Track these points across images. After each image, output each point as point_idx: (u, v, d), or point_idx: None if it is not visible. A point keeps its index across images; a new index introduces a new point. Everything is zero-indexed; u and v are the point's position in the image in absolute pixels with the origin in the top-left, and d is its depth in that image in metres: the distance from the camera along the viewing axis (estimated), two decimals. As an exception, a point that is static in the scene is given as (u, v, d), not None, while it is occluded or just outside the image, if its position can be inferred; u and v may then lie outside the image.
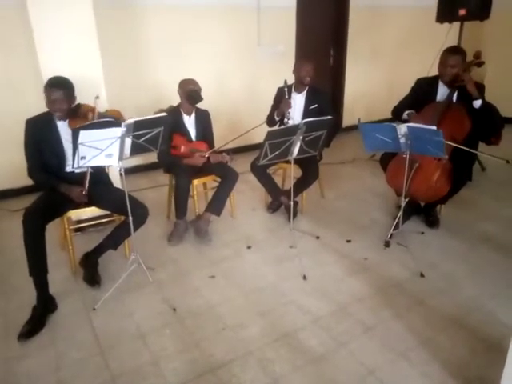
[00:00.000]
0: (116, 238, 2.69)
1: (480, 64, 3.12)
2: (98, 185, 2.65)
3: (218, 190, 3.22)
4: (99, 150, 2.19)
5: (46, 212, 2.42)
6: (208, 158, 3.15)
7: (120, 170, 2.36)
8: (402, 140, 2.70)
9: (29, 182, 2.63)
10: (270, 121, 3.60)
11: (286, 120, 3.45)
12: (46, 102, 2.49)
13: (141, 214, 2.60)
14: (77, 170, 2.59)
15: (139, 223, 2.61)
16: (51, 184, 2.56)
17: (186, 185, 3.12)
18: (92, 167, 2.55)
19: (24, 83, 3.79)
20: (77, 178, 2.57)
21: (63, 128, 2.57)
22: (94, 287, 2.59)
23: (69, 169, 2.61)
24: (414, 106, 3.20)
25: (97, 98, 2.62)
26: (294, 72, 3.53)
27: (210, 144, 3.32)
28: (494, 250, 3.00)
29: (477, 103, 2.95)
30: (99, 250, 2.69)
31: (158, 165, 3.28)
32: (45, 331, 2.28)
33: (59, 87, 2.47)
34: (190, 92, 3.13)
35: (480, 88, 3.06)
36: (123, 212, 2.62)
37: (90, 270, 2.67)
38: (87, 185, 2.54)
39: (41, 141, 2.53)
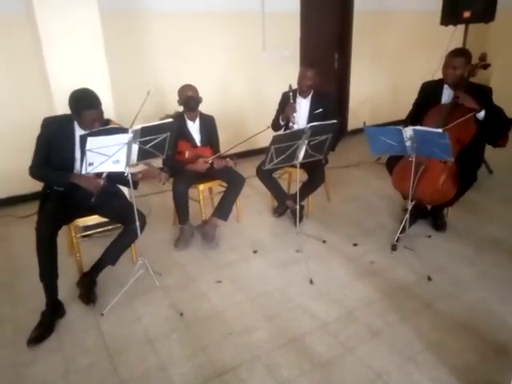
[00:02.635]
0: (114, 253, 2.62)
1: (486, 66, 3.11)
2: (101, 193, 2.55)
3: (225, 194, 3.23)
4: (106, 156, 2.21)
5: (57, 218, 2.42)
6: (212, 163, 3.16)
7: (127, 176, 2.37)
8: (408, 143, 2.69)
9: (36, 187, 2.63)
10: (275, 125, 3.61)
11: (290, 124, 3.45)
12: (83, 123, 2.40)
13: (139, 223, 2.53)
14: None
15: (136, 234, 2.55)
16: (60, 177, 2.48)
17: (183, 190, 3.12)
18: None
19: (32, 90, 3.83)
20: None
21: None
22: (88, 306, 2.52)
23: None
24: (422, 110, 3.20)
25: (150, 90, 2.57)
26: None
27: (216, 149, 3.33)
28: (501, 253, 2.98)
29: (480, 115, 2.91)
30: (97, 269, 2.63)
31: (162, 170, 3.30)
32: (53, 336, 2.29)
33: (97, 106, 2.39)
34: (188, 99, 3.15)
35: (487, 91, 3.06)
36: (122, 221, 2.63)
37: (87, 289, 2.57)
38: (105, 175, 2.45)
39: (53, 142, 2.46)
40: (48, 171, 2.51)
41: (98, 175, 2.47)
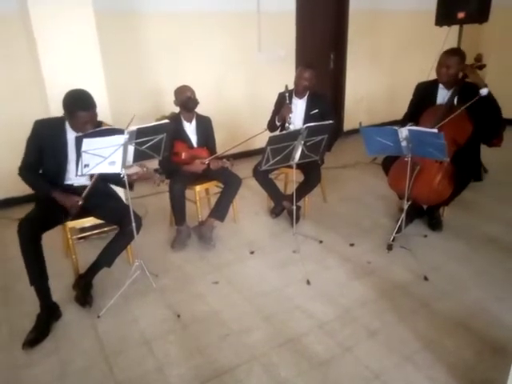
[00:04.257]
0: (109, 255, 2.61)
1: (481, 67, 3.13)
2: (96, 194, 2.55)
3: (222, 195, 3.23)
4: (102, 158, 2.20)
5: (40, 222, 2.38)
6: (208, 164, 3.16)
7: (123, 178, 2.36)
8: (404, 143, 2.70)
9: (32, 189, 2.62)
10: (271, 126, 3.61)
11: (287, 125, 3.46)
12: (75, 124, 2.39)
13: (135, 225, 2.52)
14: (76, 184, 2.58)
15: (132, 235, 2.54)
16: (43, 188, 2.47)
17: (180, 191, 3.11)
18: (95, 182, 2.49)
19: (28, 92, 3.82)
20: (74, 192, 2.51)
21: (72, 138, 2.45)
22: (84, 308, 2.50)
23: (69, 181, 2.58)
24: (417, 111, 3.21)
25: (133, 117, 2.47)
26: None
27: (213, 150, 3.33)
28: (497, 251, 3.00)
29: (483, 91, 2.92)
30: (93, 271, 2.60)
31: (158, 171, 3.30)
32: (49, 339, 2.28)
33: (90, 108, 2.37)
34: (187, 100, 3.15)
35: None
36: (117, 222, 2.61)
37: (83, 291, 2.55)
38: (84, 194, 2.44)
39: (45, 146, 2.46)
40: (33, 178, 2.50)
41: (84, 188, 2.45)
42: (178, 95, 3.18)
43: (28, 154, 2.49)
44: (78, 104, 2.35)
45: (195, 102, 3.20)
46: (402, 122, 3.28)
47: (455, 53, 3.11)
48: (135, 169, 2.50)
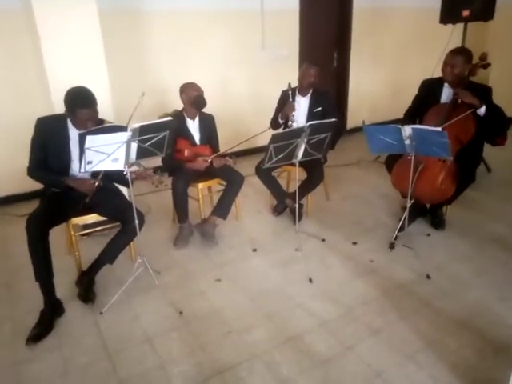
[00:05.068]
0: (112, 251, 2.62)
1: (486, 66, 3.11)
2: (99, 191, 2.56)
3: (224, 193, 3.23)
4: (105, 155, 2.21)
5: (48, 218, 2.41)
6: (211, 162, 3.16)
7: (126, 175, 2.37)
8: (407, 141, 2.69)
9: (35, 186, 2.64)
10: (274, 124, 3.61)
11: (290, 123, 3.45)
12: (76, 122, 2.41)
13: (138, 222, 2.53)
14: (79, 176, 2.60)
15: (134, 232, 2.55)
16: (56, 180, 2.50)
17: (182, 188, 3.11)
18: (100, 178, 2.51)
19: (31, 89, 3.82)
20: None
21: (74, 134, 2.46)
22: (87, 304, 2.51)
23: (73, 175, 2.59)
24: (421, 107, 3.20)
25: (144, 93, 2.55)
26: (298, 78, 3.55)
27: (216, 148, 3.33)
28: (501, 250, 2.99)
29: (481, 111, 2.90)
30: (95, 267, 2.62)
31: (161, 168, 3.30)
32: (52, 335, 2.29)
33: (91, 105, 2.38)
34: (195, 98, 3.15)
35: (487, 90, 3.05)
36: (120, 219, 2.62)
37: (86, 287, 2.57)
38: (101, 176, 2.49)
39: (48, 143, 2.48)
40: (44, 174, 2.53)
41: (95, 175, 2.47)
42: (185, 92, 3.16)
43: (34, 153, 2.51)
44: (79, 101, 2.37)
45: (204, 101, 3.19)
46: (404, 119, 3.27)
47: (461, 52, 3.09)
48: (133, 168, 2.51)
